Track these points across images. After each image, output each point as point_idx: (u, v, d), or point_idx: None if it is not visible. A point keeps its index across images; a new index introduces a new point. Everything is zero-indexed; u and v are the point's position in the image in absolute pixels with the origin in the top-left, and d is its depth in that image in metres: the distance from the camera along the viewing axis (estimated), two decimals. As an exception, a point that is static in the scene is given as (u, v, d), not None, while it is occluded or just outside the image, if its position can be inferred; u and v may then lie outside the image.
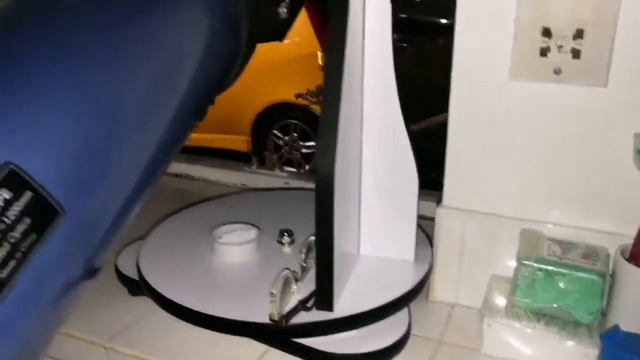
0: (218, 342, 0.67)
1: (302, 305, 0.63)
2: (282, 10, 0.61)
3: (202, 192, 1.11)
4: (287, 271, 0.65)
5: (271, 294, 0.61)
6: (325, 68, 0.59)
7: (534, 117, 0.66)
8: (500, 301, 0.68)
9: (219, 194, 1.02)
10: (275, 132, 3.62)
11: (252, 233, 0.77)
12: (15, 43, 0.38)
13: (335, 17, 0.59)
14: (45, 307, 0.38)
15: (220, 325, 0.65)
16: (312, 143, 3.54)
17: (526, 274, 0.65)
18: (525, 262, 0.64)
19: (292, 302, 0.65)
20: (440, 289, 0.76)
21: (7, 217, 0.34)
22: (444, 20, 4.14)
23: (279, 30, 0.64)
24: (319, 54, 3.40)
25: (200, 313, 0.65)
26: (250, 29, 0.60)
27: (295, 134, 3.58)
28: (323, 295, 0.63)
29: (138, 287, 0.75)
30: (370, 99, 0.69)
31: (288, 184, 1.09)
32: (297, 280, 0.67)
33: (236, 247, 0.75)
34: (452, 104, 0.70)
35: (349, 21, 0.60)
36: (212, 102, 0.59)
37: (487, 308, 0.67)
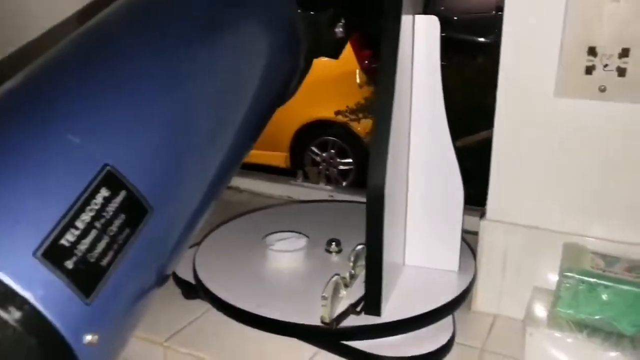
0: (269, 343, 0.70)
1: (352, 309, 0.66)
2: (338, 30, 0.65)
3: (248, 203, 1.15)
4: (337, 277, 0.68)
5: (323, 297, 0.65)
6: (377, 85, 0.62)
7: (579, 133, 0.69)
8: (543, 312, 0.70)
9: (266, 205, 1.07)
10: (313, 148, 3.67)
11: (302, 241, 0.81)
12: (117, 63, 0.44)
13: (387, 37, 0.63)
14: (128, 304, 0.42)
15: (273, 327, 0.68)
16: (349, 160, 3.58)
17: (568, 285, 0.66)
18: (568, 273, 0.66)
19: (342, 306, 0.68)
20: (483, 300, 0.78)
21: (107, 213, 0.38)
22: (482, 39, 4.16)
23: (334, 48, 0.68)
24: (357, 72, 3.45)
25: (254, 315, 0.69)
26: (308, 47, 0.64)
27: (333, 151, 3.63)
28: (372, 301, 0.66)
29: (193, 290, 0.79)
30: (418, 114, 0.72)
31: (332, 196, 1.12)
32: (346, 286, 0.70)
33: (287, 254, 0.79)
34: (498, 119, 0.72)
35: (400, 41, 0.63)
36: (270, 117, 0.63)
37: (529, 318, 0.69)
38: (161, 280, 0.47)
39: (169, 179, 0.44)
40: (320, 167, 3.66)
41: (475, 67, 2.84)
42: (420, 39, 0.70)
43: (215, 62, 0.51)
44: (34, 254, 0.35)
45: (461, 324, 0.73)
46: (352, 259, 0.74)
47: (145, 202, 0.41)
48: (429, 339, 0.68)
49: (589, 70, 0.65)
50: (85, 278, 0.37)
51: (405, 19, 0.65)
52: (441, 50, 0.70)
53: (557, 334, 0.66)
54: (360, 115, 3.21)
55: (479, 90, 2.53)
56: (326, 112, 3.45)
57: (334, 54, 0.68)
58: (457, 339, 0.71)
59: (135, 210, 0.40)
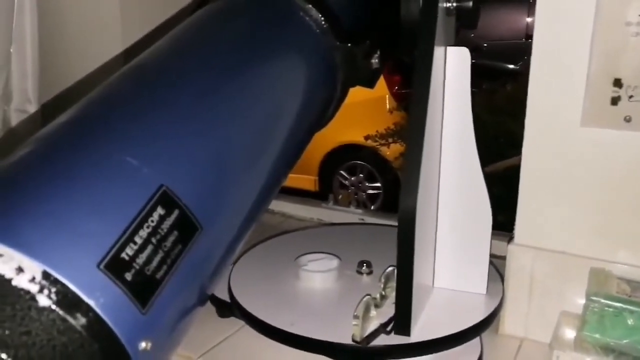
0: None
1: (383, 329, 0.68)
2: (374, 61, 0.69)
3: (281, 225, 1.19)
4: (368, 297, 0.71)
5: (355, 317, 0.67)
6: (409, 112, 0.65)
7: (605, 161, 0.71)
8: (569, 336, 0.71)
9: (297, 227, 1.10)
10: (342, 172, 3.71)
11: (334, 262, 0.83)
12: (170, 95, 0.48)
13: (420, 68, 0.66)
14: (177, 316, 0.46)
15: (306, 345, 0.71)
16: (377, 184, 3.60)
17: (595, 309, 0.68)
18: (595, 298, 0.68)
19: (372, 326, 0.71)
20: (510, 323, 0.79)
21: (162, 229, 0.42)
22: (511, 66, 4.17)
23: (370, 78, 0.71)
24: (387, 97, 3.49)
25: (288, 333, 0.71)
26: (345, 77, 0.68)
27: (361, 175, 3.65)
28: (402, 321, 0.69)
29: (227, 309, 0.82)
30: (448, 141, 0.75)
31: (363, 219, 1.15)
32: (377, 307, 0.72)
33: (319, 274, 0.81)
34: (526, 146, 0.75)
35: (432, 71, 0.67)
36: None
37: (556, 341, 0.71)
38: (205, 296, 0.50)
39: (216, 201, 0.48)
40: (349, 190, 3.68)
41: (504, 94, 2.85)
42: (452, 69, 0.73)
43: (259, 94, 0.56)
44: (98, 265, 0.39)
45: (489, 346, 0.75)
46: (382, 280, 0.76)
47: (195, 221, 0.44)
48: (456, 359, 0.70)
49: (615, 101, 0.68)
50: (142, 289, 0.40)
51: (438, 51, 0.68)
52: (471, 77, 0.73)
53: (584, 358, 0.67)
54: (390, 140, 3.23)
55: (508, 117, 2.54)
56: (355, 136, 3.48)
57: (370, 83, 0.72)
58: (484, 360, 0.72)
59: (187, 228, 0.44)
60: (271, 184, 0.58)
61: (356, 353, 0.69)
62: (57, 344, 0.36)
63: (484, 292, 0.78)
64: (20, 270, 0.36)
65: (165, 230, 0.42)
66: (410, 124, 0.65)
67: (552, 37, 0.71)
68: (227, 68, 0.54)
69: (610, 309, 0.67)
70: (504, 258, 0.80)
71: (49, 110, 1.09)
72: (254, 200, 0.55)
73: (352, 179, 3.69)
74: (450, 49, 0.73)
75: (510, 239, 0.79)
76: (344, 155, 3.65)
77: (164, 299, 0.42)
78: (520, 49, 4.15)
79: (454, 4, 0.72)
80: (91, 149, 0.44)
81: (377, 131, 3.28)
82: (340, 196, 3.62)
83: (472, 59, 0.73)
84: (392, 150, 3.35)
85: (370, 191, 3.64)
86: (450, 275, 0.79)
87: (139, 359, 0.40)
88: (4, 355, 0.35)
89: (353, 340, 0.68)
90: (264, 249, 0.94)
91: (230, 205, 0.51)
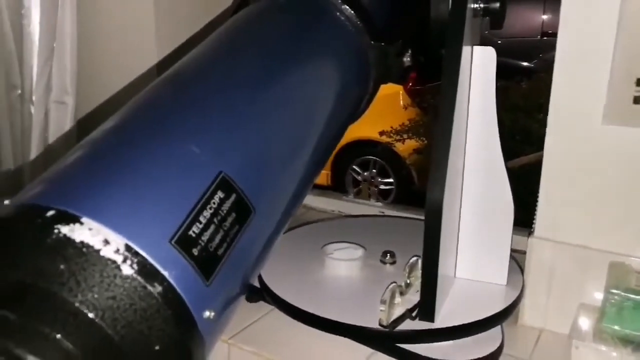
0: (327, 345, 0.76)
1: (409, 314, 0.71)
2: (406, 60, 0.72)
3: (302, 216, 1.22)
4: (394, 284, 0.74)
5: (382, 302, 0.70)
6: (439, 108, 0.68)
7: (626, 158, 0.73)
8: (588, 327, 0.74)
9: (319, 219, 1.13)
10: (355, 167, 3.73)
11: (359, 252, 0.86)
12: (226, 89, 0.53)
13: (449, 65, 0.69)
14: (233, 291, 0.50)
15: (334, 328, 0.74)
16: (390, 180, 3.63)
17: (614, 302, 0.70)
18: (614, 290, 0.70)
19: (397, 312, 0.74)
20: (530, 314, 0.82)
21: (222, 211, 0.46)
22: (525, 64, 4.18)
23: (402, 75, 0.74)
24: (401, 93, 3.51)
25: (317, 316, 0.75)
26: (378, 75, 0.71)
27: (374, 170, 3.68)
28: (426, 307, 0.72)
29: (255, 294, 0.85)
30: (473, 135, 0.78)
31: (383, 212, 1.18)
32: (401, 294, 0.75)
33: (345, 262, 0.85)
34: (548, 142, 0.77)
35: (460, 66, 0.69)
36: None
37: (575, 332, 0.73)
38: (255, 274, 0.54)
39: (266, 187, 0.53)
40: (361, 185, 3.71)
41: (519, 91, 2.87)
42: (478, 67, 0.76)
43: (302, 90, 0.60)
44: (170, 241, 0.43)
45: (508, 336, 0.77)
46: (407, 269, 0.79)
47: (250, 204, 0.48)
48: (479, 346, 0.72)
49: (637, 100, 0.70)
50: (206, 264, 0.44)
51: (465, 50, 0.71)
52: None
53: (603, 348, 0.70)
54: (405, 136, 3.26)
55: (523, 115, 2.56)
56: (369, 132, 3.51)
57: (401, 80, 0.75)
58: (504, 350, 0.75)
59: (242, 211, 0.48)
60: (311, 173, 0.61)
61: (382, 337, 0.72)
62: (138, 308, 0.41)
63: (505, 283, 0.81)
64: (106, 242, 0.41)
65: (224, 212, 0.47)
66: (439, 120, 0.68)
67: (576, 37, 0.74)
68: (273, 66, 0.58)
69: (630, 302, 0.69)
70: (520, 252, 0.83)
71: (83, 124, 1.13)
72: (297, 187, 0.59)
73: (365, 174, 3.71)
74: (476, 49, 0.76)
75: (530, 232, 0.81)
76: (357, 151, 3.67)
77: (224, 274, 0.47)
78: (535, 46, 4.15)
79: (482, 5, 0.75)
80: (162, 138, 0.49)
81: (391, 127, 3.31)
82: (358, 189, 3.65)
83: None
84: (405, 147, 3.38)
85: (383, 187, 3.66)
86: (472, 266, 0.82)
87: (203, 326, 0.44)
88: (92, 315, 0.39)
89: (380, 325, 0.71)
90: (290, 238, 0.97)
91: (278, 191, 0.55)
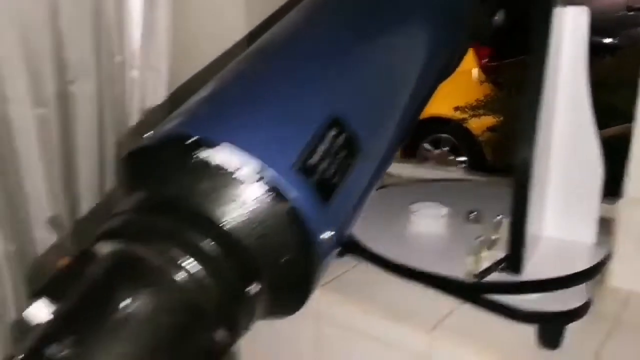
0: (412, 296, 0.79)
1: (496, 266, 0.74)
2: (497, 18, 0.73)
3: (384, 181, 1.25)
4: (483, 238, 0.76)
5: (471, 252, 0.73)
6: (528, 73, 0.69)
7: None
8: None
9: (403, 180, 1.16)
10: (426, 145, 3.71)
11: (444, 210, 0.89)
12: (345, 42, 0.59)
13: (539, 26, 0.70)
14: (347, 218, 0.55)
15: (423, 278, 0.77)
16: (463, 158, 3.59)
17: None
18: None
19: (484, 264, 0.76)
20: (618, 276, 0.82)
21: (335, 146, 0.51)
22: (609, 40, 4.01)
23: (491, 35, 0.76)
24: (474, 71, 3.45)
25: (406, 266, 0.78)
26: (469, 33, 0.73)
27: (445, 148, 3.65)
28: (514, 259, 0.74)
29: (343, 248, 0.89)
30: (564, 93, 0.78)
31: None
32: (488, 249, 0.77)
33: (431, 219, 0.87)
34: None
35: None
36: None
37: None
38: (359, 212, 0.58)
39: (371, 132, 0.57)
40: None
41: (603, 66, 2.77)
42: (569, 28, 0.76)
43: (401, 44, 0.64)
44: (294, 167, 0.48)
45: (596, 296, 0.78)
46: (493, 227, 0.81)
47: (358, 144, 0.53)
48: (565, 299, 0.74)
49: None
50: (324, 190, 0.50)
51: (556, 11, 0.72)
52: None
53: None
54: (481, 111, 3.20)
55: (607, 90, 2.47)
56: (442, 109, 3.47)
57: (488, 40, 0.77)
58: (591, 309, 0.76)
59: (352, 148, 0.54)
60: (408, 123, 0.65)
61: (469, 288, 0.75)
62: (270, 225, 0.46)
63: (593, 241, 0.81)
64: (241, 165, 0.46)
65: (337, 147, 0.52)
66: (529, 80, 0.69)
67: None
68: (378, 19, 0.62)
69: None
70: (608, 220, 0.83)
71: (177, 94, 1.18)
72: (396, 137, 0.63)
73: (436, 152, 3.68)
74: (568, 9, 0.76)
75: (620, 194, 0.81)
76: (429, 128, 3.65)
77: (337, 201, 0.51)
78: (619, 22, 3.97)
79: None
80: (285, 81, 0.55)
81: (466, 103, 3.26)
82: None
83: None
84: (478, 124, 3.33)
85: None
86: (560, 225, 0.83)
87: (321, 246, 0.49)
88: (230, 228, 0.46)
89: (468, 275, 0.73)
90: (376, 198, 1.00)
91: (381, 136, 0.59)
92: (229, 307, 0.45)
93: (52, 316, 0.40)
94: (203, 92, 0.55)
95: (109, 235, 0.46)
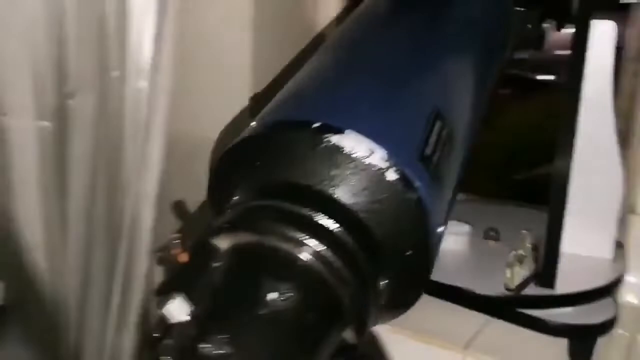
0: (439, 313, 0.78)
1: (532, 279, 0.74)
2: (545, 26, 0.76)
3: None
4: (517, 252, 0.77)
5: (508, 265, 0.73)
6: (567, 82, 0.72)
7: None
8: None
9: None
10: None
11: (466, 227, 0.90)
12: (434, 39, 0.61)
13: (579, 37, 0.72)
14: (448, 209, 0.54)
15: (455, 295, 0.77)
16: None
17: None
18: None
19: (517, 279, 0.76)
20: (632, 290, 0.85)
21: (442, 137, 0.51)
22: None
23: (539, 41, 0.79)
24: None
25: (436, 282, 0.77)
26: (517, 40, 0.75)
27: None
28: (548, 274, 0.75)
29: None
30: (587, 111, 0.80)
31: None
32: (520, 262, 0.78)
33: (454, 236, 0.87)
34: None
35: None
36: None
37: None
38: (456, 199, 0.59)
39: (462, 130, 0.57)
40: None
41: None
42: (595, 41, 0.79)
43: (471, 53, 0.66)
44: (416, 156, 0.48)
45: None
46: (518, 242, 0.82)
47: (456, 139, 0.54)
48: (596, 314, 0.75)
49: None
50: (439, 181, 0.49)
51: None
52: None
53: None
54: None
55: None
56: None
57: (538, 45, 0.80)
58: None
59: (452, 142, 0.53)
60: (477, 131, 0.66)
61: (503, 302, 0.75)
62: (399, 210, 0.45)
63: (611, 256, 0.84)
64: (372, 152, 0.44)
65: (443, 140, 0.51)
66: (567, 89, 0.71)
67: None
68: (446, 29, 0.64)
69: None
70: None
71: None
72: (472, 138, 0.63)
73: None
74: (595, 22, 0.77)
75: (631, 210, 0.84)
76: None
77: (444, 197, 0.51)
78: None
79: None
80: (393, 72, 0.55)
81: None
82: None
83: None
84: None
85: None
86: (578, 240, 0.84)
87: (435, 239, 0.48)
88: (361, 215, 0.44)
89: (506, 289, 0.74)
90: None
91: (466, 136, 0.59)
92: (364, 302, 0.43)
93: (193, 314, 0.37)
94: (303, 82, 0.54)
95: (233, 227, 0.43)
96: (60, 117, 0.96)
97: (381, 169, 0.44)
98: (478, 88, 0.63)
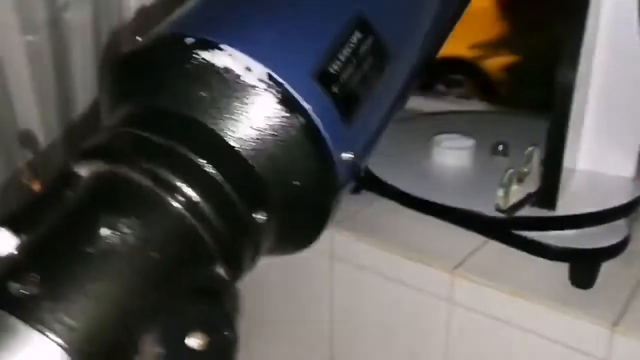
0: (433, 233, 0.75)
1: (528, 200, 0.68)
2: None
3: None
4: (513, 170, 0.70)
5: (501, 186, 0.67)
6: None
7: None
8: None
9: (427, 112, 1.09)
10: (439, 87, 3.60)
11: (470, 142, 0.83)
12: None
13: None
14: (369, 137, 0.47)
15: (446, 214, 0.71)
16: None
17: None
18: None
19: (514, 199, 0.70)
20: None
21: (360, 52, 0.43)
22: None
23: None
24: (490, 8, 3.31)
25: (428, 201, 0.72)
26: None
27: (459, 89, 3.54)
28: (548, 193, 0.68)
29: (359, 185, 0.84)
30: (608, 13, 0.70)
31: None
32: (519, 181, 0.71)
33: (455, 151, 0.81)
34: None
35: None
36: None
37: None
38: (384, 128, 0.51)
39: (399, 36, 0.49)
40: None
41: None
42: None
43: None
44: (310, 75, 0.41)
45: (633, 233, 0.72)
46: (524, 159, 0.75)
47: (386, 50, 0.45)
48: (602, 236, 0.68)
49: None
50: (346, 103, 0.42)
51: None
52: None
53: None
54: (498, 50, 3.07)
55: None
56: (456, 49, 3.35)
57: None
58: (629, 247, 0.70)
59: (380, 55, 0.46)
60: (431, 47, 0.57)
61: (497, 224, 0.69)
62: (279, 139, 0.39)
63: (632, 175, 0.75)
64: (248, 69, 0.39)
65: (362, 53, 0.44)
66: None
67: None
68: None
69: None
70: None
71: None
72: (425, 46, 0.55)
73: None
74: None
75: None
76: (442, 69, 3.53)
77: (362, 119, 0.45)
78: None
79: None
80: None
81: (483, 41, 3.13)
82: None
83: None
84: (497, 62, 3.21)
85: (468, 107, 3.53)
86: (596, 157, 0.76)
87: (341, 167, 0.42)
88: (234, 144, 0.38)
89: (497, 210, 0.68)
90: (396, 129, 0.93)
91: (409, 43, 0.51)
92: (232, 238, 0.37)
93: (18, 248, 0.34)
94: None
95: (91, 154, 0.38)
96: (54, 32, 0.94)
97: (257, 88, 0.38)
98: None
